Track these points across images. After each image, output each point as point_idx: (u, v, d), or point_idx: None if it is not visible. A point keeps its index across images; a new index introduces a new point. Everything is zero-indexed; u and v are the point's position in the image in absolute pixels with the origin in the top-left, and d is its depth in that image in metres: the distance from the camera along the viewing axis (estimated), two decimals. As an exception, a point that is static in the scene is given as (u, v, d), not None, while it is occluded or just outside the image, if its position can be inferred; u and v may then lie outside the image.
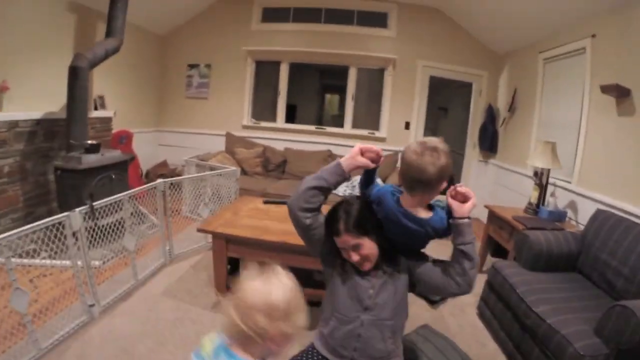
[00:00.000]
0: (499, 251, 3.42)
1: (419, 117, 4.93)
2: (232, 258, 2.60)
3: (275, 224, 2.63)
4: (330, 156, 4.73)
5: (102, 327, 2.20)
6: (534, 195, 3.18)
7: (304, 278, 2.67)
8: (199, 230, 2.62)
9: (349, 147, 4.68)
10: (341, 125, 5.17)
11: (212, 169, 3.78)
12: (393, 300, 1.40)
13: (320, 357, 1.46)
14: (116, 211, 2.61)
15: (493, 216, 3.27)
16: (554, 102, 3.66)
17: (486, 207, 3.37)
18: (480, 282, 3.25)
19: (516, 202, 3.69)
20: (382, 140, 4.93)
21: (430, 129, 5.20)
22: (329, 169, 1.38)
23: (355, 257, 1.33)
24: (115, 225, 2.63)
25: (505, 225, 3.08)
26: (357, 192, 4.00)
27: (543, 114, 3.81)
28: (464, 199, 1.32)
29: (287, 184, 4.35)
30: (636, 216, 2.49)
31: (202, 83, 5.21)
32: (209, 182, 3.50)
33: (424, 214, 1.34)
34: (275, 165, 4.74)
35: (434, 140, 1.26)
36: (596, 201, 2.86)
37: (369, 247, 1.33)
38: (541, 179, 3.12)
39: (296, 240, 2.37)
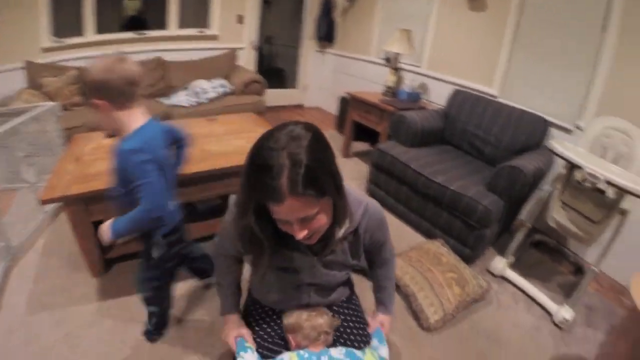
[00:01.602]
0: (360, 135, 3.62)
1: (253, 10, 4.34)
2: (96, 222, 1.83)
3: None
4: (160, 64, 3.71)
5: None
6: (391, 80, 3.36)
7: (188, 214, 2.17)
8: (45, 201, 1.63)
9: (178, 51, 3.84)
10: (163, 28, 4.05)
11: (19, 114, 2.43)
12: (341, 275, 1.11)
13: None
14: None
15: (356, 102, 3.33)
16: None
17: (348, 93, 3.40)
18: (358, 165, 3.46)
19: (363, 87, 3.83)
20: (213, 38, 4.19)
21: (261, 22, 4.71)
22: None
23: (301, 234, 0.82)
24: None
25: (372, 109, 3.19)
26: (204, 98, 3.34)
27: (386, 3, 3.90)
28: None
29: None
30: (488, 94, 2.94)
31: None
32: (23, 132, 2.31)
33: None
34: (97, 89, 3.46)
35: (110, 54, 1.23)
36: (447, 82, 3.26)
37: (326, 214, 0.84)
38: (396, 64, 3.28)
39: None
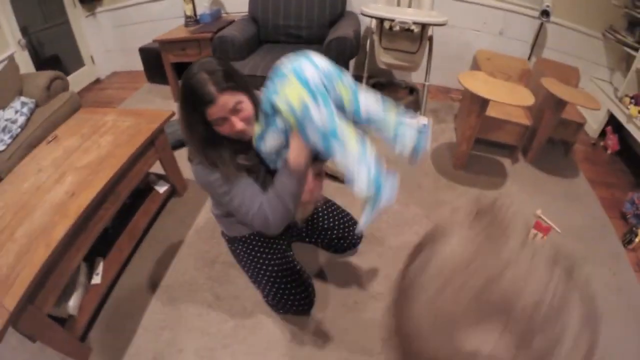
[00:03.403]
0: (180, 75, 3.51)
1: (3, 4, 3.32)
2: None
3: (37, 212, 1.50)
4: None
5: None
6: (188, 9, 3.28)
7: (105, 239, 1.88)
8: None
9: None
10: None
11: None
12: None
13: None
14: None
15: (168, 45, 3.17)
16: None
17: (156, 41, 3.20)
18: None
19: (157, 29, 3.60)
20: None
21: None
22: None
23: (239, 124, 1.06)
24: None
25: (188, 44, 3.13)
26: (16, 129, 2.62)
27: None
28: None
29: None
30: None
31: None
32: None
33: None
34: None
35: None
36: None
37: (248, 104, 1.08)
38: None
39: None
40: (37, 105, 2.87)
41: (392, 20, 2.31)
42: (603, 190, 2.48)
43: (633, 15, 2.73)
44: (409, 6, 2.67)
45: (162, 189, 2.29)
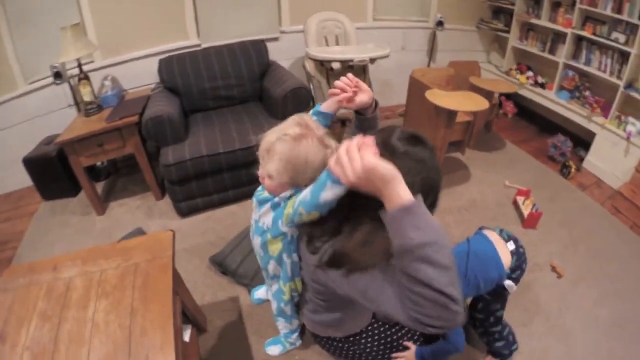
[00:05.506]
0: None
1: None
2: None
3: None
4: None
5: None
6: (86, 93, 2.70)
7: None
8: None
9: None
10: None
11: None
12: None
13: None
14: None
15: (78, 145, 2.58)
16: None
17: (58, 142, 2.56)
18: (139, 202, 2.80)
19: (42, 127, 2.99)
20: None
21: None
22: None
23: None
24: None
25: (106, 136, 2.59)
26: None
27: (9, 11, 2.75)
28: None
29: None
30: (192, 47, 2.98)
31: None
32: None
33: None
34: None
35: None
36: (137, 59, 3.04)
37: None
38: (82, 70, 2.70)
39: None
40: None
41: (350, 61, 2.41)
42: (525, 145, 3.17)
43: (496, 6, 3.51)
44: (337, 44, 2.79)
45: (186, 335, 1.63)
